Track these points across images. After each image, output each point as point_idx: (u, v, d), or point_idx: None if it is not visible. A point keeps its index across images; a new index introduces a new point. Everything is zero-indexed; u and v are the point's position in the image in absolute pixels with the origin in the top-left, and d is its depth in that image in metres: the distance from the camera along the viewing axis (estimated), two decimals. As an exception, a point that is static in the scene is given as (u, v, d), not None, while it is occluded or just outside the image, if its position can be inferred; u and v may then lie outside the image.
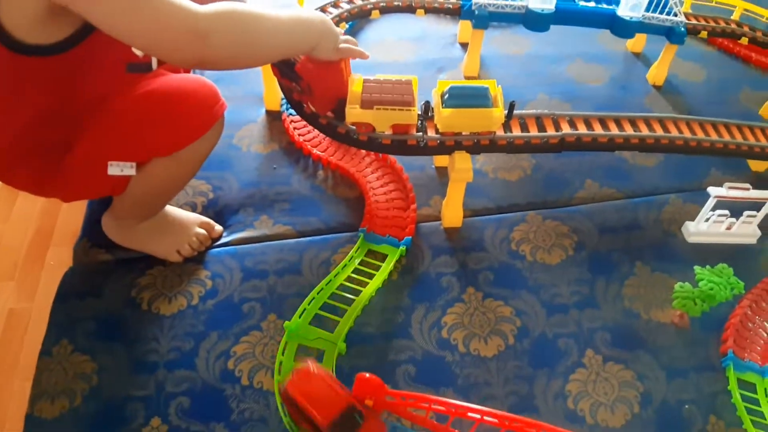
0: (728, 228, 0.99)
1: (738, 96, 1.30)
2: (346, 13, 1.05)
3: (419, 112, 0.86)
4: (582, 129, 0.89)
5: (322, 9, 1.05)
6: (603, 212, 0.99)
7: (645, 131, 0.91)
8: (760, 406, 0.79)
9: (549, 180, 1.03)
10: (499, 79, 1.17)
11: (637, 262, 0.93)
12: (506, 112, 0.84)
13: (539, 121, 0.90)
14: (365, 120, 0.83)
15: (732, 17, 1.32)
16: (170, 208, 0.89)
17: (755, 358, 0.84)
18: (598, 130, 0.89)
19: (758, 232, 1.00)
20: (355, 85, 0.85)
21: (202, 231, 0.89)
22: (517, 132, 0.87)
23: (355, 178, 0.98)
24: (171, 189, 0.86)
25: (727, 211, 0.96)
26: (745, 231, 1.00)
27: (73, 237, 0.93)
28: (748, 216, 0.97)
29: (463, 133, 0.85)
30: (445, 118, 0.82)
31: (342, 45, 0.80)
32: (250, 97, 1.12)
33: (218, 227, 0.92)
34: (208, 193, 0.97)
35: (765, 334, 0.87)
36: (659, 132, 0.92)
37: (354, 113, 0.82)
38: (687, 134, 0.94)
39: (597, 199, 1.01)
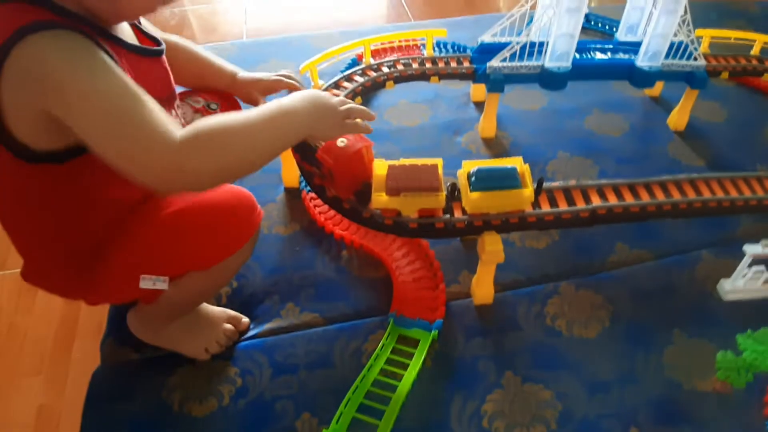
0: (766, 282, 0.96)
1: (763, 133, 1.27)
2: (360, 87, 1.05)
3: (447, 194, 0.84)
4: (612, 199, 0.87)
5: (337, 84, 1.04)
6: (636, 277, 0.96)
7: (677, 196, 0.89)
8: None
9: (578, 246, 1.00)
10: (516, 139, 1.18)
11: (675, 329, 0.89)
12: (536, 187, 0.82)
13: (567, 193, 0.88)
14: (392, 206, 0.81)
15: (752, 52, 1.29)
16: (199, 306, 0.87)
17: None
18: (629, 198, 0.87)
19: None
20: (380, 170, 0.83)
21: (229, 327, 0.87)
22: (546, 207, 0.85)
23: (380, 257, 0.96)
24: (203, 298, 0.85)
25: (763, 267, 0.93)
26: (784, 284, 0.97)
27: (97, 329, 0.92)
28: (779, 273, 0.95)
29: (491, 213, 0.84)
30: (474, 201, 0.81)
31: (347, 121, 0.77)
32: (268, 175, 1.10)
33: (245, 320, 0.90)
34: (232, 282, 0.95)
35: None
36: (691, 195, 0.89)
37: (381, 200, 0.81)
38: (720, 194, 0.91)
39: (628, 263, 0.98)
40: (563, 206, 0.86)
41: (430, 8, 1.71)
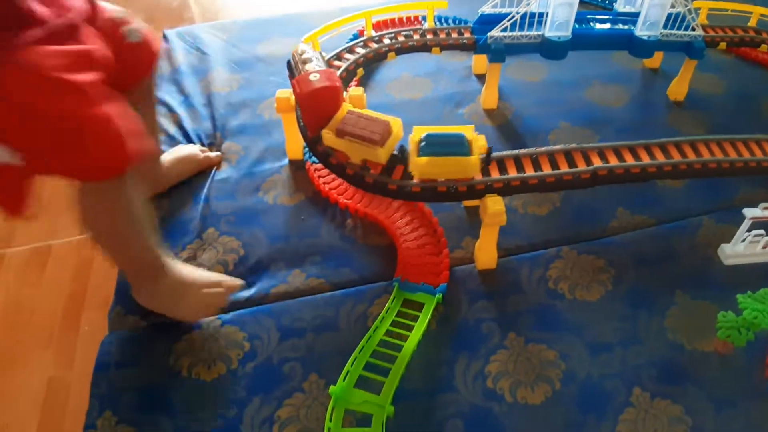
0: (765, 247, 0.97)
1: (761, 104, 1.27)
2: (362, 59, 1.05)
3: (395, 153, 0.87)
4: (613, 160, 0.88)
5: (339, 56, 1.05)
6: (638, 242, 0.97)
7: (677, 157, 0.90)
8: (816, 434, 0.77)
9: (580, 211, 1.01)
10: (518, 109, 1.19)
11: (677, 290, 0.90)
12: (484, 157, 0.84)
13: (568, 156, 0.88)
14: (337, 147, 0.86)
15: (749, 24, 1.29)
16: (186, 270, 0.88)
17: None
18: (630, 160, 0.88)
19: (799, 251, 0.98)
20: (339, 113, 0.87)
21: (216, 290, 0.87)
22: (547, 169, 0.86)
23: (384, 224, 0.97)
24: (131, 239, 0.81)
25: (762, 231, 0.94)
26: (784, 248, 0.98)
27: (105, 301, 0.93)
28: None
29: (494, 176, 0.85)
30: (421, 166, 0.82)
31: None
32: (272, 149, 1.12)
33: (236, 281, 0.90)
34: (239, 249, 0.97)
35: None
36: (691, 156, 0.90)
37: (328, 138, 0.85)
38: (719, 155, 0.92)
39: (630, 228, 0.99)
40: (564, 168, 0.87)
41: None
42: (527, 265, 0.93)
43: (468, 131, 0.85)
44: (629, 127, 1.17)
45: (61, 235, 1.07)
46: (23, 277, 1.03)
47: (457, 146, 0.83)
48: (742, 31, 1.24)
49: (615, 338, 0.85)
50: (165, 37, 1.43)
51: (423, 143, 0.84)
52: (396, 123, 0.86)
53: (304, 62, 0.92)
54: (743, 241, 0.96)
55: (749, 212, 0.92)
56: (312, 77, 0.87)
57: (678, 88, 1.23)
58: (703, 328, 0.87)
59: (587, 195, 1.01)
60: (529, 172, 0.86)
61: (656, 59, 1.32)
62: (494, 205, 0.82)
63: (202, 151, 1.10)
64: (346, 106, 0.88)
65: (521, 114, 1.18)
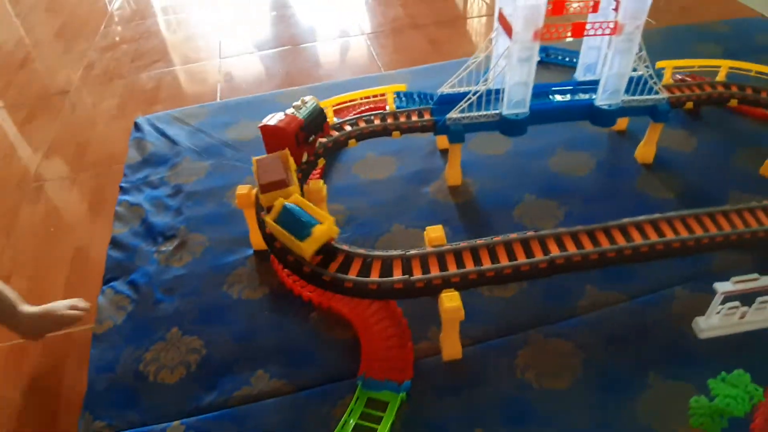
0: (742, 317, 0.95)
1: (734, 158, 1.26)
2: (322, 149, 1.06)
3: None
4: (571, 247, 0.86)
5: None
6: (608, 320, 0.95)
7: (638, 239, 0.88)
8: None
9: (547, 291, 0.99)
10: (483, 184, 1.19)
11: (650, 371, 0.88)
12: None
13: (525, 244, 0.87)
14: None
15: (717, 78, 1.29)
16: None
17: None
18: (588, 246, 0.87)
19: (778, 318, 0.95)
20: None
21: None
22: (504, 260, 0.85)
23: (348, 317, 0.95)
24: None
25: (737, 303, 0.92)
26: (760, 317, 0.95)
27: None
28: (761, 302, 0.93)
29: (451, 270, 0.84)
30: (269, 224, 0.88)
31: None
32: (238, 239, 1.12)
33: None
34: (201, 349, 0.95)
35: None
36: (653, 237, 0.89)
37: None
38: (684, 233, 0.90)
39: (599, 306, 0.96)
40: (521, 258, 0.85)
41: (398, 56, 1.73)
42: (494, 353, 0.91)
43: (328, 222, 0.87)
44: (596, 195, 1.16)
45: None
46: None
47: (299, 229, 0.86)
48: (709, 87, 1.24)
49: (587, 429, 0.82)
50: (136, 125, 1.45)
51: (281, 211, 0.88)
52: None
53: (296, 108, 1.01)
54: (718, 313, 0.94)
55: (721, 287, 0.89)
56: (277, 117, 0.98)
57: (645, 151, 1.23)
58: (677, 412, 0.83)
59: (554, 274, 1.00)
60: (486, 263, 0.85)
61: (622, 122, 1.31)
62: (450, 302, 0.81)
63: (72, 307, 1.04)
64: (295, 196, 0.89)
65: (486, 189, 1.17)
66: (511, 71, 1.03)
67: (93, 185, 1.37)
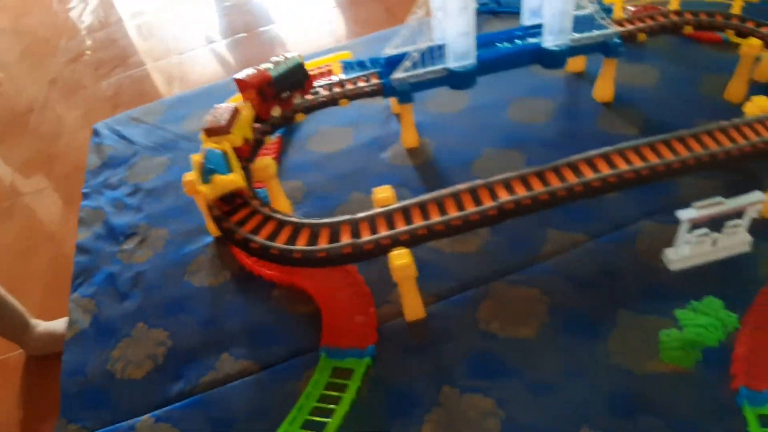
0: (714, 244, 0.92)
1: (698, 86, 1.22)
2: (269, 127, 1.04)
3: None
4: (521, 191, 0.84)
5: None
6: (572, 262, 0.92)
7: (589, 175, 0.85)
8: (791, 440, 0.70)
9: (509, 241, 0.97)
10: (440, 143, 1.17)
11: (620, 309, 0.85)
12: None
13: (474, 193, 0.85)
14: None
15: (670, 6, 1.25)
16: None
17: (775, 384, 0.76)
18: (538, 187, 0.84)
19: (748, 238, 0.92)
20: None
21: None
22: (453, 212, 0.83)
23: (309, 290, 0.94)
24: None
25: (706, 229, 0.89)
26: (733, 242, 0.92)
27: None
28: (732, 226, 0.90)
29: (399, 227, 0.82)
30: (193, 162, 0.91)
31: None
32: (196, 228, 1.10)
33: None
34: (167, 341, 0.94)
35: None
36: (605, 171, 0.86)
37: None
38: (639, 163, 0.87)
39: (563, 249, 0.94)
40: (471, 207, 0.83)
41: (357, 27, 1.71)
42: (458, 308, 0.89)
43: (235, 175, 0.86)
44: (556, 140, 1.12)
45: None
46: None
47: (205, 173, 0.87)
48: (662, 17, 1.20)
49: (556, 374, 0.80)
50: (95, 131, 1.44)
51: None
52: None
53: (274, 63, 1.01)
54: (687, 243, 0.91)
55: (684, 214, 0.86)
56: (249, 71, 0.99)
57: (603, 90, 1.19)
58: (652, 347, 0.81)
59: (515, 222, 0.97)
60: (435, 217, 0.82)
61: (579, 62, 1.28)
62: (398, 260, 0.78)
63: None
64: (225, 145, 0.92)
65: (444, 147, 1.14)
66: (450, 22, 1.00)
67: (64, 196, 1.37)
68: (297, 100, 1.06)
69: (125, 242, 1.13)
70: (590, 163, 0.87)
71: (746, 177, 1.00)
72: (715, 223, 0.88)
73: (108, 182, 1.28)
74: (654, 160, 0.88)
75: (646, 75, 1.26)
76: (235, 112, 0.96)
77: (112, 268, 1.09)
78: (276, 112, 1.04)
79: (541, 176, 0.86)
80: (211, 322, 0.95)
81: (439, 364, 0.83)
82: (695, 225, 0.88)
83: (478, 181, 0.86)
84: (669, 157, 0.89)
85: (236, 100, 1.05)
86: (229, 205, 0.88)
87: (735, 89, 1.17)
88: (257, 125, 1.02)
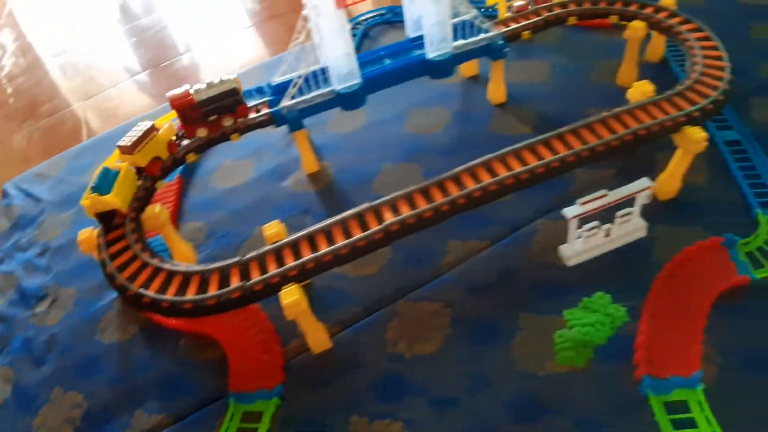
0: (607, 235, 0.93)
1: (590, 74, 1.25)
2: (159, 170, 1.02)
3: None
4: (405, 210, 0.84)
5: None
6: (473, 270, 0.93)
7: (471, 185, 0.86)
8: (698, 427, 0.71)
9: (411, 257, 0.97)
10: (341, 164, 1.16)
11: (520, 312, 0.86)
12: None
13: (360, 219, 0.85)
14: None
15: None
16: None
17: (679, 370, 0.76)
18: (421, 204, 0.84)
19: (643, 223, 0.94)
20: None
21: None
22: (341, 240, 0.83)
23: (213, 335, 0.93)
24: None
25: (596, 222, 0.90)
26: (627, 230, 0.94)
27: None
28: (622, 216, 0.92)
29: (288, 263, 0.81)
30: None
31: None
32: (103, 284, 1.06)
33: None
34: (82, 403, 0.92)
35: (682, 337, 0.81)
36: (485, 179, 0.86)
37: None
38: (517, 167, 0.88)
39: (464, 258, 0.95)
40: (358, 233, 0.83)
41: (273, 47, 1.70)
42: (364, 333, 0.89)
43: (116, 197, 0.90)
44: (453, 148, 1.13)
45: None
46: None
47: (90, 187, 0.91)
48: (546, 11, 1.20)
49: (461, 387, 0.81)
50: (4, 191, 1.40)
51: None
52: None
53: (208, 84, 1.02)
54: (579, 237, 0.92)
55: (569, 212, 0.87)
56: (180, 91, 1.00)
57: (496, 92, 1.20)
58: (551, 349, 0.82)
59: (415, 238, 0.97)
60: (323, 248, 0.82)
61: (473, 66, 1.29)
62: (287, 298, 0.78)
63: None
64: (125, 165, 0.95)
65: (344, 168, 1.14)
66: (328, 46, 1.00)
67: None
68: (227, 123, 1.06)
69: (37, 305, 1.10)
70: (472, 173, 0.88)
71: (640, 161, 1.02)
72: (610, 214, 0.91)
73: (18, 244, 1.25)
74: (519, 167, 0.88)
75: (538, 70, 1.28)
76: (148, 131, 0.98)
77: (26, 333, 1.07)
78: (202, 133, 1.05)
79: (425, 193, 0.86)
80: (123, 379, 0.93)
81: (348, 393, 0.83)
82: (585, 219, 0.90)
83: (365, 205, 0.87)
84: (548, 156, 0.89)
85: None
86: (107, 224, 0.93)
87: (626, 73, 1.20)
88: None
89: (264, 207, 1.10)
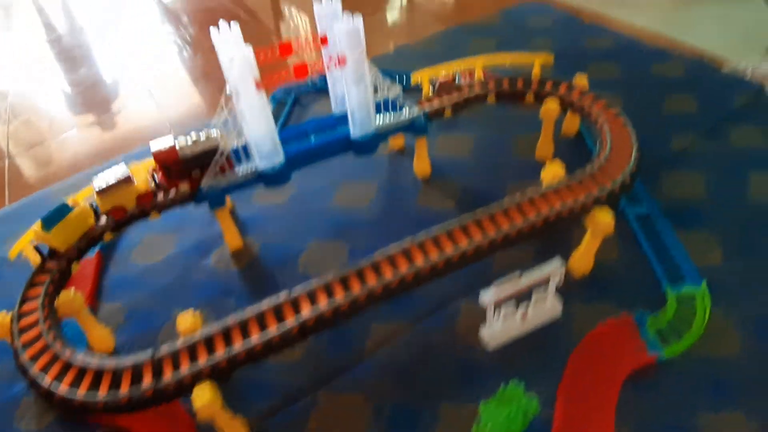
0: (524, 316, 0.95)
1: (511, 148, 1.29)
2: (75, 250, 0.98)
3: None
4: (323, 301, 0.84)
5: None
6: (395, 355, 0.93)
7: (389, 274, 0.86)
8: None
9: (333, 342, 0.96)
10: (266, 240, 1.14)
11: (442, 401, 0.86)
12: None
13: (278, 311, 0.84)
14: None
15: (476, 78, 1.31)
16: None
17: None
18: (340, 294, 0.84)
19: (558, 305, 0.96)
20: None
21: None
22: (256, 333, 0.81)
23: (131, 428, 0.88)
24: None
25: (512, 304, 0.92)
26: (543, 309, 0.96)
27: None
28: (540, 295, 0.94)
29: (201, 360, 0.79)
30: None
31: None
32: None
33: None
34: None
35: (596, 420, 0.82)
36: (403, 268, 0.87)
37: None
38: (434, 254, 0.89)
39: (386, 341, 0.94)
40: (273, 326, 0.82)
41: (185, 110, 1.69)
42: (285, 425, 0.86)
43: (56, 237, 0.95)
44: (379, 223, 1.14)
45: None
46: None
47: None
48: (467, 88, 1.24)
49: (380, 483, 0.80)
50: None
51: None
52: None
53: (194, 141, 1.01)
54: (497, 320, 0.94)
55: (485, 296, 0.89)
56: (166, 142, 1.00)
57: (421, 166, 1.23)
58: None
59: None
60: (237, 343, 0.81)
61: (399, 138, 1.31)
62: (200, 399, 0.75)
63: None
64: (82, 207, 0.99)
65: (269, 245, 1.13)
66: (251, 125, 1.00)
67: None
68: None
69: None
70: (392, 261, 0.88)
71: (559, 235, 1.06)
72: (527, 294, 0.92)
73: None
74: (436, 254, 0.89)
75: (462, 144, 1.31)
76: (122, 181, 0.99)
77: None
78: (184, 187, 1.03)
79: (344, 281, 0.86)
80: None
81: (267, 490, 0.81)
82: (499, 303, 0.92)
83: (283, 295, 0.85)
84: (464, 242, 0.91)
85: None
86: (43, 259, 0.98)
87: (543, 148, 1.24)
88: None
89: (185, 286, 1.07)
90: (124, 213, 1.02)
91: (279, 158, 1.05)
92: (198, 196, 1.05)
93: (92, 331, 0.98)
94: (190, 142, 1.02)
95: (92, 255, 1.16)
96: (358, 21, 0.97)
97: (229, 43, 0.95)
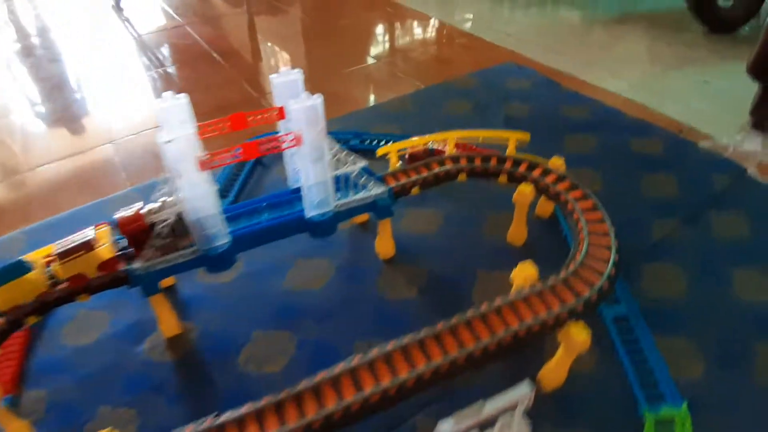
0: (497, 441, 0.85)
1: (482, 228, 1.21)
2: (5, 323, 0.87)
3: None
4: (272, 424, 0.72)
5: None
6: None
7: (331, 402, 0.74)
8: None
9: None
10: (206, 326, 1.03)
11: None
12: None
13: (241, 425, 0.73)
14: None
15: (447, 153, 1.22)
16: None
17: None
18: (273, 428, 0.73)
19: (526, 427, 0.86)
20: None
21: None
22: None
23: None
24: None
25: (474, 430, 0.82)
26: (510, 436, 0.87)
27: None
28: (503, 422, 0.84)
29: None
30: None
31: None
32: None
33: None
34: None
35: None
36: (349, 395, 0.75)
37: None
38: (386, 378, 0.77)
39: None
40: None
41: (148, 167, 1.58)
42: None
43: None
44: (332, 311, 1.03)
45: None
46: None
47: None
48: (437, 165, 1.15)
49: None
50: None
51: None
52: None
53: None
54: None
55: (443, 429, 0.78)
56: (134, 209, 0.91)
57: (383, 246, 1.13)
58: None
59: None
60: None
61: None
62: None
63: None
64: (37, 272, 0.89)
65: (209, 333, 1.01)
66: (191, 206, 0.90)
67: None
68: (184, 243, 0.95)
69: None
70: (335, 385, 0.77)
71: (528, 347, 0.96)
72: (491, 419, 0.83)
73: None
74: (388, 378, 0.77)
75: (430, 220, 1.22)
76: (82, 246, 0.89)
77: None
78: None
79: (298, 400, 0.75)
80: None
81: None
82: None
83: (207, 423, 0.73)
84: (421, 363, 0.79)
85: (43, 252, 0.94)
86: None
87: (516, 232, 1.16)
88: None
89: (113, 377, 0.95)
90: (85, 281, 0.92)
91: (224, 240, 0.95)
92: (134, 280, 0.94)
93: (8, 428, 0.86)
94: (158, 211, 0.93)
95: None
96: (318, 99, 0.89)
97: (172, 121, 0.85)
